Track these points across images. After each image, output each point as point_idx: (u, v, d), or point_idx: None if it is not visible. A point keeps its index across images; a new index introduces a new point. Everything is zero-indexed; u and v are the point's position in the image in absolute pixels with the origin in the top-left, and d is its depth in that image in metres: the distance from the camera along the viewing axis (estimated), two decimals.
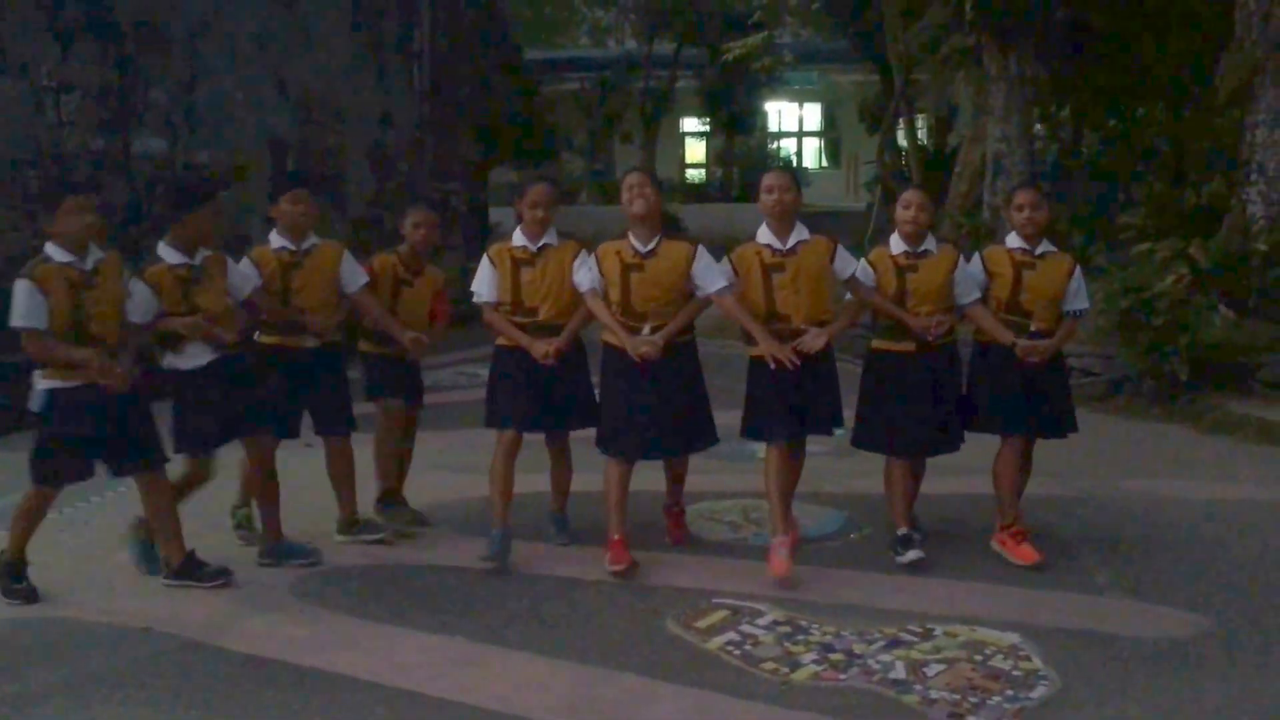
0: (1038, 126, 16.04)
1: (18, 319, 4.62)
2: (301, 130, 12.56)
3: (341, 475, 5.56)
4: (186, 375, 5.02)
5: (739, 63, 20.41)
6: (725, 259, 5.22)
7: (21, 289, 4.59)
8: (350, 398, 5.59)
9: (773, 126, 30.63)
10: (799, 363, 5.00)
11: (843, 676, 3.98)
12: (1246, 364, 8.72)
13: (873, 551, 5.34)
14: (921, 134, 22.00)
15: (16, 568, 4.89)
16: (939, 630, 4.37)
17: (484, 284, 5.37)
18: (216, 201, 5.27)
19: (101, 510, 6.19)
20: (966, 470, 5.88)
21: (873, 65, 20.60)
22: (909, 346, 5.23)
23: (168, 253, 4.99)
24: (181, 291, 4.95)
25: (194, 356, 5.01)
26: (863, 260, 5.36)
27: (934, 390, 5.27)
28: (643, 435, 5.16)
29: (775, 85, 26.38)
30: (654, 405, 5.13)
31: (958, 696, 3.80)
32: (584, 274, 5.23)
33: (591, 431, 5.38)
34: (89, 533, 5.81)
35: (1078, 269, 5.34)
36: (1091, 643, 4.25)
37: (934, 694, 3.82)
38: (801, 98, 29.92)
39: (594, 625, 4.51)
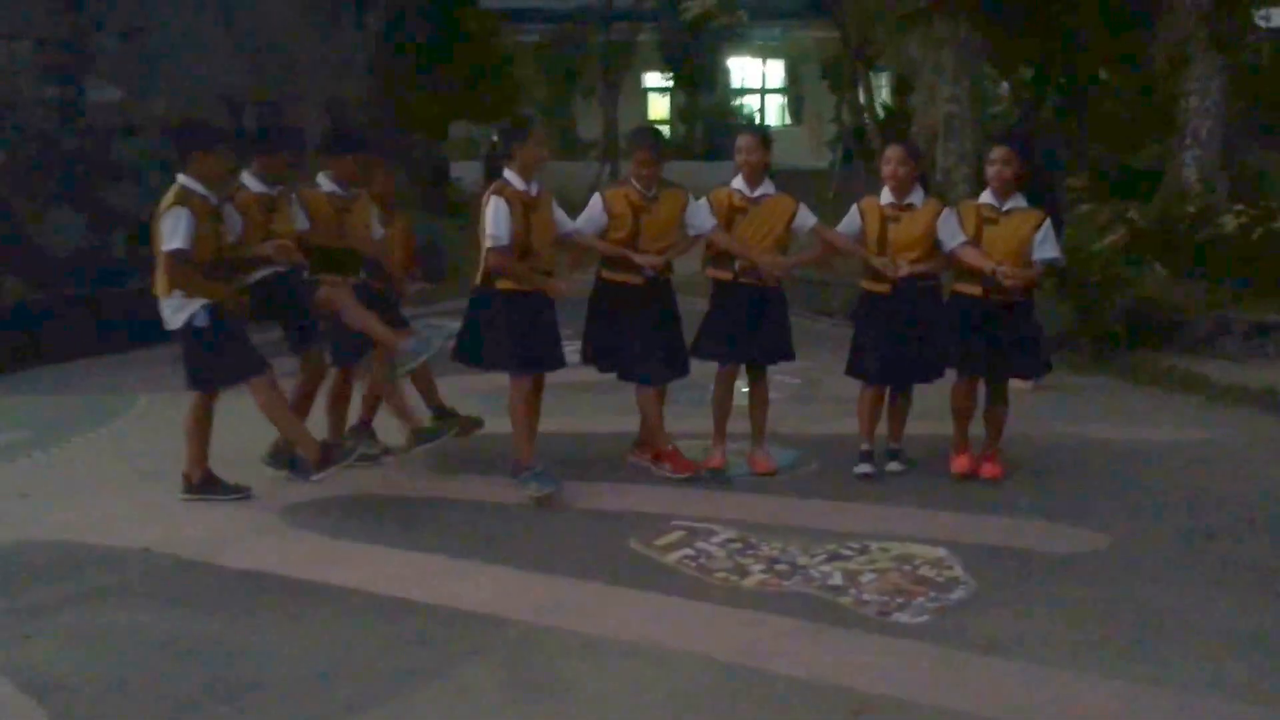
0: (1004, 86, 16.38)
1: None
2: (255, 80, 12.40)
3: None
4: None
5: (697, 22, 20.48)
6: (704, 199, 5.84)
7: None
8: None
9: (735, 83, 30.54)
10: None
11: (786, 583, 4.46)
12: (1178, 320, 9.26)
13: (821, 484, 5.80)
14: (885, 93, 22.18)
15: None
16: (874, 546, 4.86)
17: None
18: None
19: (97, 445, 6.52)
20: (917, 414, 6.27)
21: (832, 22, 20.69)
22: (884, 288, 5.74)
23: (251, 182, 5.53)
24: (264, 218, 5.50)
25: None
26: (854, 207, 5.88)
27: (908, 327, 5.74)
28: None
29: (737, 41, 26.29)
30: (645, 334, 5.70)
31: (886, 598, 4.30)
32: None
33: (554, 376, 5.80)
34: (81, 467, 6.12)
35: (1046, 222, 5.70)
36: (1008, 556, 4.78)
37: (866, 596, 4.32)
38: (764, 54, 29.82)
39: (563, 544, 4.93)
